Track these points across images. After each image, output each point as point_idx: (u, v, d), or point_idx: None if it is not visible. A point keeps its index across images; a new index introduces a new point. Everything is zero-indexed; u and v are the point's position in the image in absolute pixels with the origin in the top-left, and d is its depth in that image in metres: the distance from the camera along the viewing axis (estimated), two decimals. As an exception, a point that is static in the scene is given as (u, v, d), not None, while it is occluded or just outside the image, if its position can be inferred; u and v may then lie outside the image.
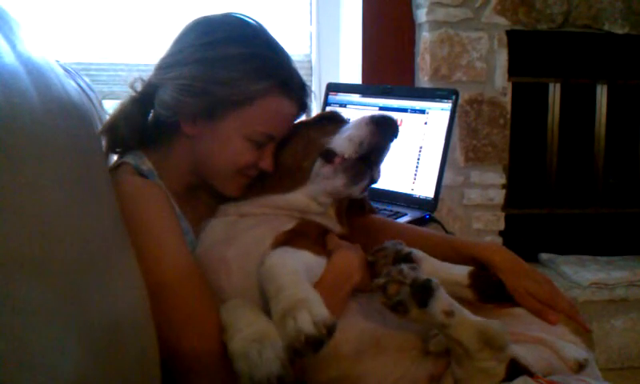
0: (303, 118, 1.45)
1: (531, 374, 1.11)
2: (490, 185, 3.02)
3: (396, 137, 1.34)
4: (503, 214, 3.06)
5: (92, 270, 0.88)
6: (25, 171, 0.78)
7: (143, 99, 1.38)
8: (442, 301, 1.09)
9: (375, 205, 1.64)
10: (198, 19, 1.39)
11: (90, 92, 1.65)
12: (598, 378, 1.27)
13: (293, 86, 1.36)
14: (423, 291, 1.09)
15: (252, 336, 1.08)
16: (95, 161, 1.11)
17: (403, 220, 1.87)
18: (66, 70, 1.55)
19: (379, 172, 1.36)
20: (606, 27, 3.01)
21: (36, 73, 0.92)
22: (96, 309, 0.86)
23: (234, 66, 1.31)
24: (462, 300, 1.19)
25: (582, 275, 2.99)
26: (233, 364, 1.07)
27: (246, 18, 1.39)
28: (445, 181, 2.00)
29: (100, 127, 1.43)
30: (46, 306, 0.72)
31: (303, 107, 1.42)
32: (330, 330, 1.00)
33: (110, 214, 1.08)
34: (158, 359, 1.08)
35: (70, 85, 1.15)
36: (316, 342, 0.99)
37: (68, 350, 0.74)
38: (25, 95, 0.84)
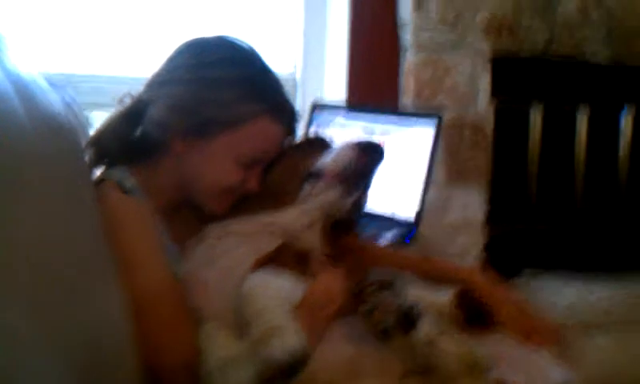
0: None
1: (513, 396, 1.13)
2: (470, 205, 3.03)
3: (381, 162, 1.35)
4: (484, 234, 3.06)
5: (77, 291, 0.88)
6: (12, 196, 0.77)
7: (132, 115, 1.38)
8: (427, 327, 1.10)
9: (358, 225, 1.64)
10: (192, 40, 1.41)
11: (74, 105, 1.64)
12: (581, 399, 1.28)
13: (284, 111, 1.38)
14: (408, 318, 1.10)
15: (225, 359, 1.09)
16: (81, 178, 1.11)
17: (385, 241, 1.88)
18: (51, 83, 1.54)
19: (366, 199, 1.36)
20: (588, 56, 3.05)
21: (24, 91, 0.92)
22: (81, 331, 0.86)
23: (226, 87, 1.32)
24: (446, 323, 1.20)
25: (562, 293, 3.00)
26: None
27: (239, 42, 1.41)
28: (427, 199, 2.01)
29: (85, 141, 1.43)
30: (30, 333, 0.72)
31: (292, 132, 1.44)
32: (304, 359, 1.01)
33: (94, 234, 1.07)
34: (141, 377, 1.08)
35: (56, 100, 1.14)
36: (288, 371, 1.00)
37: (53, 375, 0.74)
38: (14, 115, 0.84)
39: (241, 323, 1.13)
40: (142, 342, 1.13)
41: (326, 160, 1.35)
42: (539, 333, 1.31)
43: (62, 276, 0.83)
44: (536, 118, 3.21)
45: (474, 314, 1.31)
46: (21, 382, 0.68)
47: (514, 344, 1.29)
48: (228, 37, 1.43)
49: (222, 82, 1.33)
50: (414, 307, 1.11)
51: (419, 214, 1.96)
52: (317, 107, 2.33)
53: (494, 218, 3.12)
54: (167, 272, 1.25)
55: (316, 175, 1.34)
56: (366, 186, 1.36)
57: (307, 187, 1.34)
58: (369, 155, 1.34)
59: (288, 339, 1.02)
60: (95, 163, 1.41)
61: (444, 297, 1.31)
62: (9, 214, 0.76)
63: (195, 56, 1.37)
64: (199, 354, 1.14)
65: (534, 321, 1.32)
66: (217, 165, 1.33)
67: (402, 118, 2.13)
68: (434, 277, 1.38)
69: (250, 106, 1.32)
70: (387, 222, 2.00)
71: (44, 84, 1.10)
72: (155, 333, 1.18)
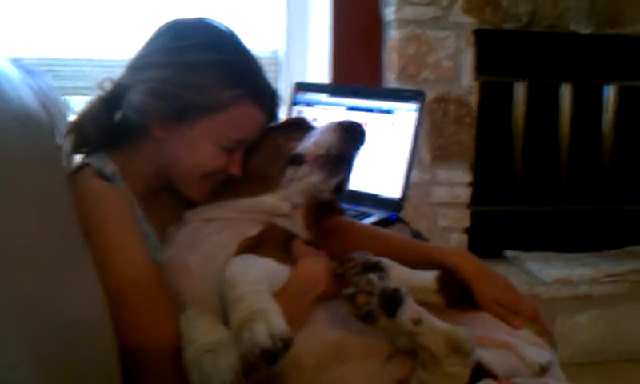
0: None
1: (494, 377, 1.14)
2: (456, 183, 3.04)
3: (363, 143, 1.35)
4: (469, 211, 3.08)
5: (52, 291, 0.87)
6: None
7: (111, 100, 1.36)
8: (411, 309, 1.10)
9: (342, 204, 1.64)
10: (171, 23, 1.39)
11: (51, 91, 1.62)
12: (561, 379, 1.30)
13: (264, 95, 1.37)
14: (392, 301, 1.09)
15: (207, 346, 1.08)
16: (53, 170, 1.10)
17: (369, 221, 1.88)
18: (27, 69, 1.52)
19: (348, 180, 1.36)
20: (571, 27, 3.05)
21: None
22: (56, 330, 0.84)
23: (205, 72, 1.30)
24: (429, 305, 1.21)
25: (546, 272, 3.03)
26: (187, 373, 1.08)
27: (219, 25, 1.40)
28: (411, 178, 2.01)
29: (63, 128, 1.42)
30: (17, 332, 0.71)
31: (273, 116, 1.43)
32: (287, 343, 1.00)
33: (69, 228, 1.06)
34: (120, 376, 1.08)
35: (25, 92, 1.13)
36: (271, 356, 0.99)
37: (33, 372, 0.73)
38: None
39: (223, 308, 1.12)
40: (122, 330, 1.14)
41: (308, 143, 1.34)
42: (520, 313, 1.32)
43: (38, 275, 0.83)
44: (520, 92, 3.21)
45: (456, 296, 1.32)
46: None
47: (496, 325, 1.30)
48: (208, 19, 1.41)
49: (202, 66, 1.31)
50: (398, 289, 1.11)
51: (403, 193, 1.95)
52: (300, 87, 2.31)
53: (477, 198, 3.13)
54: (146, 258, 1.25)
55: (298, 159, 1.34)
56: (348, 168, 1.36)
57: (290, 171, 1.34)
58: (350, 137, 1.34)
59: (270, 324, 1.01)
60: (75, 149, 1.39)
61: (427, 278, 1.32)
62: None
63: (174, 39, 1.35)
64: (180, 339, 1.14)
65: (516, 302, 1.33)
66: (197, 150, 1.32)
67: (386, 96, 2.12)
68: (417, 258, 1.39)
69: (230, 91, 1.31)
70: (371, 201, 2.00)
71: (12, 74, 1.08)
72: (135, 320, 1.18)
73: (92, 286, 1.08)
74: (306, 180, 1.32)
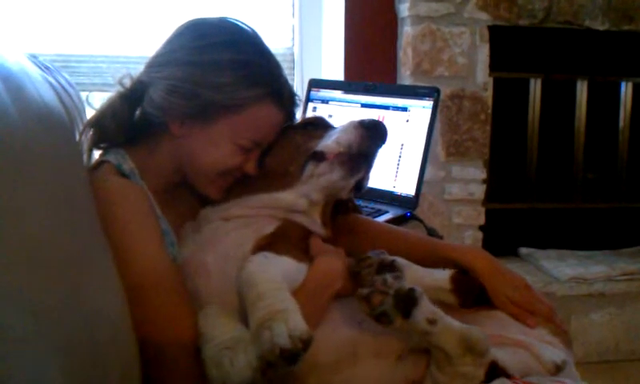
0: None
1: (509, 376, 1.14)
2: (470, 180, 3.04)
3: (384, 142, 1.35)
4: (483, 208, 3.08)
5: (72, 288, 0.88)
6: (4, 193, 0.77)
7: (132, 96, 1.37)
8: (426, 309, 1.10)
9: (357, 202, 1.64)
10: (193, 21, 1.39)
11: (70, 88, 1.63)
12: (576, 378, 1.29)
13: (283, 96, 1.37)
14: (407, 301, 1.09)
15: (225, 343, 1.09)
16: (74, 167, 1.10)
17: (384, 218, 1.88)
18: (45, 67, 1.53)
19: (367, 178, 1.36)
20: (587, 23, 3.03)
21: (11, 82, 0.90)
22: (77, 328, 0.85)
23: (225, 71, 1.31)
24: (443, 304, 1.21)
25: (560, 270, 3.02)
26: (205, 370, 1.08)
27: (241, 24, 1.40)
28: (426, 175, 2.01)
29: (82, 124, 1.43)
30: (27, 332, 0.71)
31: (291, 116, 1.43)
32: (306, 343, 0.99)
33: (89, 225, 1.07)
34: (139, 372, 1.08)
35: (45, 89, 1.13)
36: (291, 356, 0.98)
37: (50, 375, 0.74)
38: (3, 110, 0.82)
39: (242, 306, 1.13)
40: (140, 326, 1.14)
41: (329, 140, 1.34)
42: (536, 313, 1.32)
43: (59, 272, 0.83)
44: (535, 88, 3.20)
45: (470, 295, 1.32)
46: (20, 380, 0.68)
47: (511, 324, 1.30)
48: (229, 19, 1.41)
49: (222, 65, 1.32)
50: (413, 290, 1.11)
51: (418, 190, 1.95)
52: (314, 84, 2.31)
53: (492, 195, 3.13)
54: (164, 256, 1.26)
55: (319, 156, 1.34)
56: (369, 166, 1.36)
57: (309, 167, 1.34)
58: (372, 135, 1.33)
59: (290, 324, 1.00)
60: (94, 145, 1.40)
61: (441, 278, 1.32)
62: (3, 212, 0.75)
63: (196, 38, 1.35)
64: (199, 337, 1.15)
65: (531, 301, 1.33)
66: (215, 148, 1.33)
67: (400, 93, 2.12)
68: (432, 256, 1.39)
69: (249, 91, 1.31)
70: (386, 198, 2.00)
71: (33, 72, 1.08)
72: (152, 316, 1.18)
73: (112, 282, 1.09)
74: (326, 177, 1.32)
